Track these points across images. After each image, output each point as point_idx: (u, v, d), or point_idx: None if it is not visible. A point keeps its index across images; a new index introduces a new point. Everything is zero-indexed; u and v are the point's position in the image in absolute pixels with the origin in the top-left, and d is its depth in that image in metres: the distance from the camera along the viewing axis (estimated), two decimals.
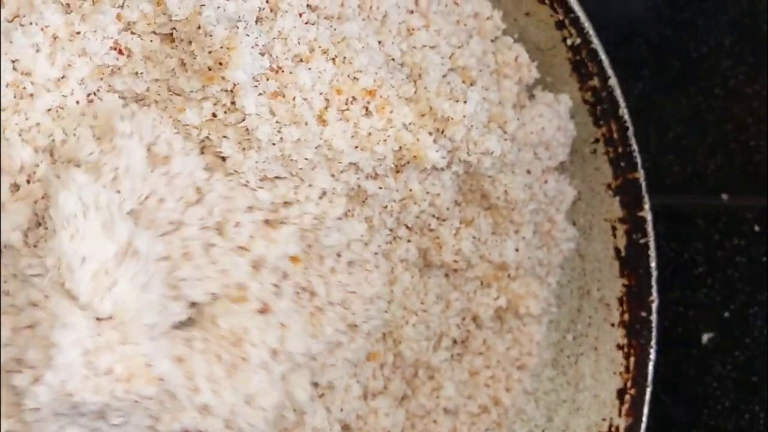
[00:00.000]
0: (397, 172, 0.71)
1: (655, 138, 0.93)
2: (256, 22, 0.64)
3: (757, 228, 0.92)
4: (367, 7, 0.70)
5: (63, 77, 0.61)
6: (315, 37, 0.65)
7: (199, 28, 0.60)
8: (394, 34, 0.71)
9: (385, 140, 0.68)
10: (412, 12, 0.73)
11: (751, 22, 0.91)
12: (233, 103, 0.62)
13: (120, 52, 0.62)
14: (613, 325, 0.82)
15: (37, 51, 0.59)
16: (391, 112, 0.68)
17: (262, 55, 0.62)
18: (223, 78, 0.60)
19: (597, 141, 0.80)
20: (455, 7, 0.76)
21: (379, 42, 0.70)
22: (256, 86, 0.62)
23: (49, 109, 0.61)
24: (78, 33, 0.60)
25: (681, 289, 0.93)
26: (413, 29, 0.72)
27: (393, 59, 0.71)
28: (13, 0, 0.59)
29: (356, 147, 0.67)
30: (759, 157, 0.91)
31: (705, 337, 0.93)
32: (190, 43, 0.61)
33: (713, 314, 0.93)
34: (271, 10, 0.64)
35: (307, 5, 0.66)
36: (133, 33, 0.62)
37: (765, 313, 0.91)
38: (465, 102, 0.69)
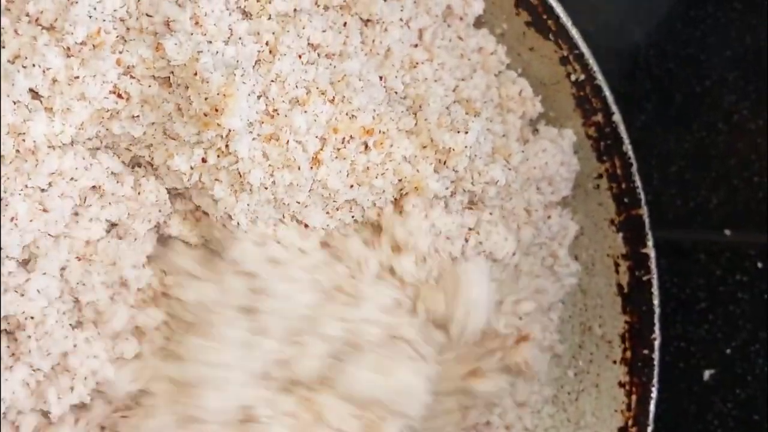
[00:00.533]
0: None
1: (657, 172, 0.93)
2: (255, 64, 0.63)
3: (759, 264, 0.91)
4: (369, 41, 0.70)
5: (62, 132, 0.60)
6: (313, 78, 0.65)
7: (196, 74, 0.59)
8: (397, 68, 0.70)
9: (383, 173, 0.67)
10: (416, 46, 0.73)
11: (755, 58, 0.91)
12: (227, 146, 0.62)
13: (119, 95, 0.62)
14: (614, 362, 0.82)
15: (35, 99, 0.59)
16: (391, 145, 0.67)
17: (258, 98, 0.62)
18: (218, 124, 0.60)
19: (600, 176, 0.80)
20: (459, 42, 0.76)
21: (381, 77, 0.70)
22: (250, 132, 0.62)
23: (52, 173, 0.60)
24: (77, 77, 0.60)
25: (682, 324, 0.93)
26: (417, 62, 0.72)
27: (396, 92, 0.71)
28: (15, 41, 0.58)
29: (352, 186, 0.66)
30: (762, 194, 0.91)
31: (707, 374, 0.92)
32: (186, 88, 0.61)
33: (715, 350, 0.92)
34: (270, 52, 0.64)
35: (309, 44, 0.66)
36: (132, 77, 0.62)
37: (767, 350, 0.90)
38: (467, 132, 0.68)
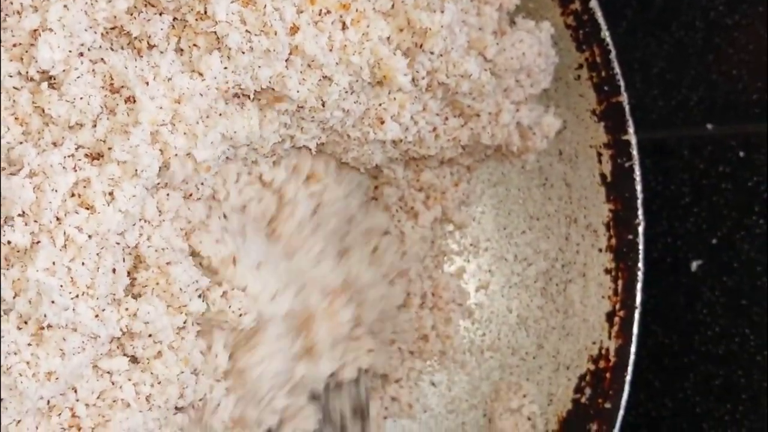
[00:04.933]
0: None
1: (639, 75, 0.94)
2: None
3: (741, 154, 0.92)
4: None
5: None
6: None
7: None
8: None
9: (360, 52, 0.68)
10: None
11: None
12: (205, 10, 0.63)
13: None
14: (600, 250, 0.83)
15: None
16: (368, 25, 0.68)
17: None
18: None
19: (581, 66, 0.81)
20: None
21: None
22: None
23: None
24: None
25: (668, 220, 0.94)
26: None
27: None
28: None
29: (331, 49, 0.67)
30: (741, 85, 0.92)
31: (694, 265, 0.93)
32: None
33: (701, 242, 0.93)
34: None
35: None
36: None
37: (752, 238, 0.91)
38: (443, 12, 0.69)
